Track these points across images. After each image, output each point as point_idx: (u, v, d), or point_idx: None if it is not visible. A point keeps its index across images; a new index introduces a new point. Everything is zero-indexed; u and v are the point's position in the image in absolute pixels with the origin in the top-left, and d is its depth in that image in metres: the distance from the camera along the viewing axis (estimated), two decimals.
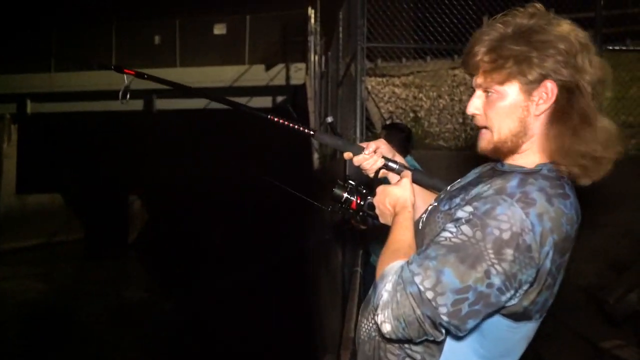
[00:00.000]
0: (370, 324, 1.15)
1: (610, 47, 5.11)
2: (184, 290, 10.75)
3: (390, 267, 1.02)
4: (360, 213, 1.32)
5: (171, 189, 16.13)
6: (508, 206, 0.95)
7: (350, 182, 1.34)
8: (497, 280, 0.94)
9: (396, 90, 8.99)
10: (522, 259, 0.94)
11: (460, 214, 1.00)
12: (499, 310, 1.01)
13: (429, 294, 0.95)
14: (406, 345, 1.08)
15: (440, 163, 4.22)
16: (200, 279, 11.39)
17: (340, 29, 5.95)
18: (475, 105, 1.10)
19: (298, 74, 12.40)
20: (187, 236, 15.01)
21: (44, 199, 15.26)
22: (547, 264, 0.97)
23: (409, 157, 3.35)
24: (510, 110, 1.05)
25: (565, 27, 1.02)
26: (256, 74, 12.71)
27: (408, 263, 1.00)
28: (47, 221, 14.83)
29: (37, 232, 14.51)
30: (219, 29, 13.43)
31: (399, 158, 1.35)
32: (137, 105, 13.45)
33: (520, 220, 0.94)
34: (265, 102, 13.03)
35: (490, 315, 1.01)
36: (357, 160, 1.35)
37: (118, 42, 13.33)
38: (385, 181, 1.33)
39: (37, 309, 9.87)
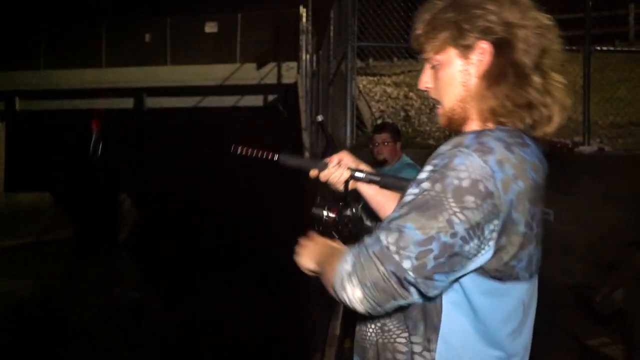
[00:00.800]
0: (370, 330, 1.13)
1: (599, 48, 5.15)
2: (175, 290, 10.71)
3: (351, 247, 1.03)
4: (339, 227, 1.30)
5: (162, 187, 16.07)
6: (466, 156, 0.95)
7: (325, 198, 1.33)
8: (460, 229, 0.93)
9: (387, 89, 9.02)
10: (484, 206, 0.93)
11: (421, 175, 1.01)
12: (478, 270, 0.99)
13: (392, 248, 0.94)
14: (407, 335, 1.06)
15: None
16: (192, 279, 11.35)
17: (332, 28, 5.96)
18: (424, 80, 1.13)
19: (289, 72, 12.39)
20: (178, 235, 14.96)
21: (33, 198, 15.13)
22: (514, 213, 0.95)
23: (404, 156, 3.36)
24: (452, 76, 1.08)
25: None
26: (247, 73, 12.68)
27: (366, 238, 1.00)
28: (37, 220, 14.71)
29: (26, 231, 14.39)
30: (211, 27, 13.38)
31: (364, 167, 1.34)
32: (128, 103, 13.38)
33: (479, 168, 0.94)
34: (256, 100, 13.01)
35: (468, 277, 1.00)
36: (324, 176, 1.34)
37: (108, 39, 13.24)
38: (356, 192, 1.33)
39: (27, 309, 9.79)
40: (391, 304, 0.98)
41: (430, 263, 0.93)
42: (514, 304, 1.03)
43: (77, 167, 15.40)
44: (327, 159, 1.34)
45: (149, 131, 14.32)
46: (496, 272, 0.99)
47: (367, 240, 0.99)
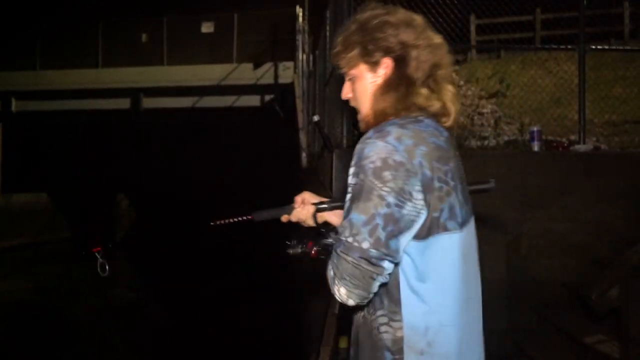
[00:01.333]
0: (355, 316, 1.26)
1: (594, 47, 5.16)
2: (172, 290, 10.70)
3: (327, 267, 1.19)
4: (322, 256, 1.37)
5: (159, 187, 16.05)
6: (371, 144, 1.15)
7: (297, 238, 1.42)
8: (391, 199, 1.11)
9: None
10: (399, 174, 1.12)
11: (349, 177, 1.19)
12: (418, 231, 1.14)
13: (350, 239, 1.12)
14: (375, 311, 1.19)
15: None
16: (188, 279, 11.34)
17: (327, 27, 5.95)
18: (345, 92, 1.34)
19: (286, 72, 12.39)
20: (175, 235, 14.94)
21: (29, 198, 15.10)
22: (427, 172, 1.14)
23: None
24: (365, 87, 1.29)
25: (397, 14, 1.26)
26: (244, 73, 12.69)
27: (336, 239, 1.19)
28: (33, 221, 14.68)
29: (23, 232, 14.36)
30: (207, 28, 13.38)
31: (324, 198, 1.48)
32: (124, 103, 13.36)
33: (383, 148, 1.13)
34: (253, 100, 13.01)
35: (409, 245, 1.14)
36: (293, 217, 1.47)
37: (104, 40, 13.22)
38: (327, 224, 1.46)
39: (25, 309, 9.77)
40: (373, 285, 1.12)
41: (382, 234, 1.10)
42: (453, 256, 1.18)
43: (73, 167, 15.38)
44: (294, 203, 1.48)
45: (146, 132, 14.30)
46: (424, 229, 1.15)
47: (335, 247, 1.16)
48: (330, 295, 1.16)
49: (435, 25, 5.34)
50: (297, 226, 1.49)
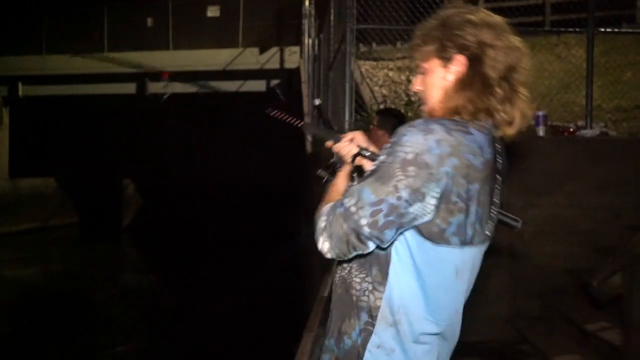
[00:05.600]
0: (341, 272, 1.35)
1: (603, 29, 5.05)
2: (178, 275, 10.77)
3: (327, 206, 1.27)
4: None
5: (165, 172, 16.08)
6: (412, 134, 1.19)
7: (331, 165, 1.56)
8: (404, 193, 1.16)
9: (390, 73, 8.93)
10: (422, 174, 1.16)
11: (382, 150, 1.25)
12: (418, 228, 1.21)
13: (352, 209, 1.18)
14: (363, 276, 1.28)
15: None
16: (195, 264, 11.42)
17: (332, 10, 5.87)
18: (416, 83, 1.38)
19: (292, 57, 12.27)
20: (181, 221, 15.01)
21: (37, 183, 15.19)
22: (450, 182, 1.17)
23: None
24: (435, 82, 1.32)
25: (479, 14, 1.30)
26: (250, 57, 12.57)
27: (341, 198, 1.25)
28: (41, 205, 14.79)
29: (31, 216, 14.48)
30: (213, 11, 13.26)
31: (372, 148, 1.51)
32: (130, 88, 13.33)
33: (420, 144, 1.17)
34: (259, 85, 12.92)
35: (411, 235, 1.22)
36: (336, 147, 1.52)
37: (110, 24, 13.14)
38: (361, 168, 1.51)
39: (37, 293, 9.89)
40: (352, 254, 1.22)
41: (381, 220, 1.16)
42: (446, 267, 1.24)
43: (80, 152, 15.43)
44: (342, 135, 1.53)
45: (152, 116, 14.29)
46: (430, 234, 1.21)
47: (337, 202, 1.23)
48: (323, 279, 1.20)
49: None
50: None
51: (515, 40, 1.28)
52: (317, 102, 2.62)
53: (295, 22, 11.63)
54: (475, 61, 1.26)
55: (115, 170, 16.16)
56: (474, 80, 1.25)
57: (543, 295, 3.84)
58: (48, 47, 13.10)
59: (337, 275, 1.37)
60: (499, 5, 8.13)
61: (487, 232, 1.28)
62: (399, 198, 1.16)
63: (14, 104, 14.33)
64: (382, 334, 1.24)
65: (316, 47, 9.21)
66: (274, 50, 12.57)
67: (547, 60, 7.44)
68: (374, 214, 1.16)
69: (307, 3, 10.46)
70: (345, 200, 1.20)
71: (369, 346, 1.25)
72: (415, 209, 1.17)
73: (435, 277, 1.24)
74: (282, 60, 12.57)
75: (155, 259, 13.13)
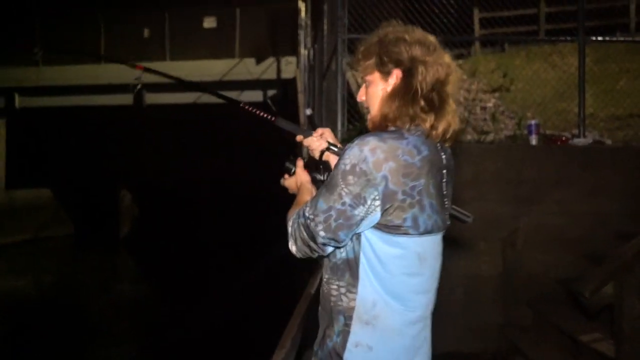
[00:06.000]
0: (322, 287, 1.49)
1: (594, 38, 5.05)
2: (174, 285, 10.70)
3: (293, 213, 1.45)
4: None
5: (162, 183, 16.05)
6: (351, 149, 1.36)
7: (298, 158, 1.64)
8: (347, 199, 1.34)
9: None
10: (360, 181, 1.33)
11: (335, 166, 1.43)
12: (378, 226, 1.36)
13: (310, 217, 1.37)
14: (338, 283, 1.42)
15: None
16: (192, 274, 11.35)
17: (325, 21, 5.88)
18: (360, 94, 1.55)
19: (289, 67, 12.31)
20: (178, 230, 14.95)
21: (33, 194, 15.13)
22: (390, 184, 1.33)
23: None
24: (376, 93, 1.49)
25: (413, 34, 1.46)
26: (247, 68, 12.61)
27: (304, 207, 1.43)
28: (37, 216, 14.72)
29: (27, 228, 14.41)
30: (209, 23, 13.32)
31: (340, 145, 1.63)
32: (127, 99, 13.34)
33: (356, 155, 1.34)
34: (256, 96, 12.94)
35: (372, 233, 1.37)
36: (306, 141, 1.66)
37: (107, 36, 13.18)
38: (326, 163, 1.63)
39: (31, 305, 9.81)
40: (314, 255, 1.40)
41: (333, 224, 1.34)
42: (409, 255, 1.38)
43: (76, 163, 15.40)
44: (314, 131, 1.66)
45: (149, 128, 14.28)
46: (387, 228, 1.36)
47: (300, 210, 1.41)
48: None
49: (437, 17, 5.26)
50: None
51: (446, 57, 1.45)
52: (308, 112, 2.71)
53: (291, 32, 11.69)
54: (408, 74, 1.42)
55: (112, 181, 16.12)
56: (405, 91, 1.42)
57: (534, 304, 3.80)
58: (44, 58, 13.13)
59: (321, 289, 1.50)
60: (495, 15, 8.14)
61: (443, 222, 1.44)
62: (343, 204, 1.33)
63: (11, 116, 14.34)
64: (359, 332, 1.36)
65: (311, 58, 9.23)
66: (271, 60, 12.61)
67: (542, 68, 7.45)
68: (326, 219, 1.35)
69: (303, 14, 10.51)
70: (306, 211, 1.39)
71: (348, 345, 1.36)
72: (359, 211, 1.33)
73: (401, 267, 1.37)
74: (278, 71, 12.61)
75: (151, 268, 13.04)
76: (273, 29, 12.85)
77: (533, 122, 4.44)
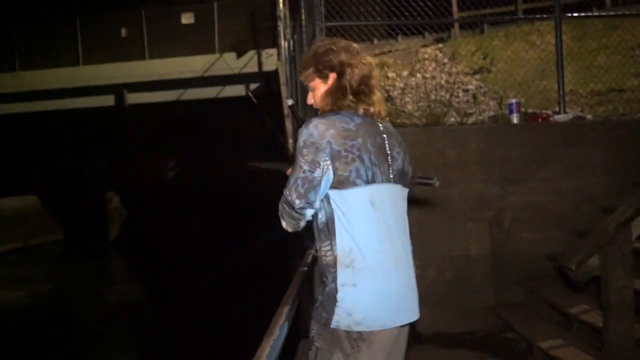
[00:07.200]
0: (318, 250, 1.77)
1: (570, 14, 5.08)
2: (165, 287, 10.67)
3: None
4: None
5: (149, 183, 15.93)
6: (300, 131, 1.73)
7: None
8: (306, 167, 1.67)
9: None
10: (312, 150, 1.68)
11: None
12: (334, 185, 1.68)
13: (286, 193, 1.71)
14: (325, 243, 1.73)
15: (412, 139, 4.20)
16: (183, 275, 11.31)
17: (302, 10, 5.85)
18: (309, 99, 1.90)
19: (270, 59, 12.25)
20: (167, 230, 14.86)
21: (19, 202, 14.95)
22: (334, 146, 1.67)
23: None
24: (319, 95, 1.84)
25: (339, 43, 1.84)
26: (228, 62, 12.48)
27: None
28: (24, 224, 14.56)
29: (16, 236, 14.26)
30: (187, 18, 13.18)
31: None
32: (109, 100, 13.20)
33: (305, 133, 1.71)
34: (238, 90, 12.85)
35: (332, 192, 1.68)
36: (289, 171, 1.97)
37: (83, 37, 13.00)
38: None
39: (22, 312, 9.74)
40: (300, 223, 1.74)
41: (302, 190, 1.68)
42: (361, 203, 1.69)
43: (61, 168, 15.22)
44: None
45: (133, 128, 14.15)
46: (341, 185, 1.69)
47: (282, 195, 1.73)
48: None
49: (415, 3, 5.23)
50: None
51: (368, 58, 1.83)
52: (289, 102, 2.74)
53: (270, 24, 11.62)
54: (340, 76, 1.78)
55: (98, 184, 15.98)
56: (337, 89, 1.78)
57: (524, 281, 3.85)
58: (21, 63, 12.93)
59: (318, 258, 1.79)
60: None
61: (391, 175, 1.74)
62: (304, 172, 1.67)
63: None
64: (343, 275, 1.68)
65: (292, 49, 9.19)
66: (251, 53, 12.54)
67: (522, 48, 7.48)
68: (296, 188, 1.68)
69: (281, 5, 10.44)
70: (284, 191, 1.72)
71: (338, 286, 1.68)
72: (317, 173, 1.67)
73: (359, 215, 1.68)
74: (260, 63, 12.54)
75: (141, 270, 13.00)
76: (252, 21, 12.76)
77: (513, 100, 4.46)
